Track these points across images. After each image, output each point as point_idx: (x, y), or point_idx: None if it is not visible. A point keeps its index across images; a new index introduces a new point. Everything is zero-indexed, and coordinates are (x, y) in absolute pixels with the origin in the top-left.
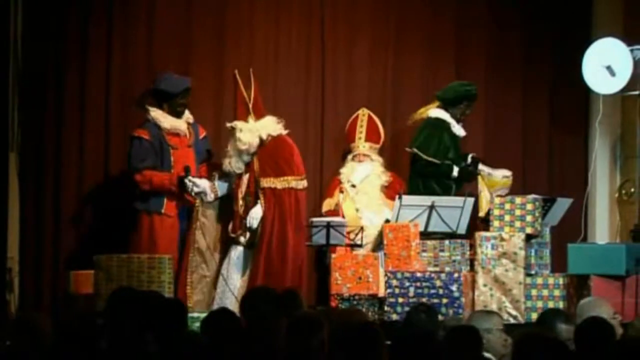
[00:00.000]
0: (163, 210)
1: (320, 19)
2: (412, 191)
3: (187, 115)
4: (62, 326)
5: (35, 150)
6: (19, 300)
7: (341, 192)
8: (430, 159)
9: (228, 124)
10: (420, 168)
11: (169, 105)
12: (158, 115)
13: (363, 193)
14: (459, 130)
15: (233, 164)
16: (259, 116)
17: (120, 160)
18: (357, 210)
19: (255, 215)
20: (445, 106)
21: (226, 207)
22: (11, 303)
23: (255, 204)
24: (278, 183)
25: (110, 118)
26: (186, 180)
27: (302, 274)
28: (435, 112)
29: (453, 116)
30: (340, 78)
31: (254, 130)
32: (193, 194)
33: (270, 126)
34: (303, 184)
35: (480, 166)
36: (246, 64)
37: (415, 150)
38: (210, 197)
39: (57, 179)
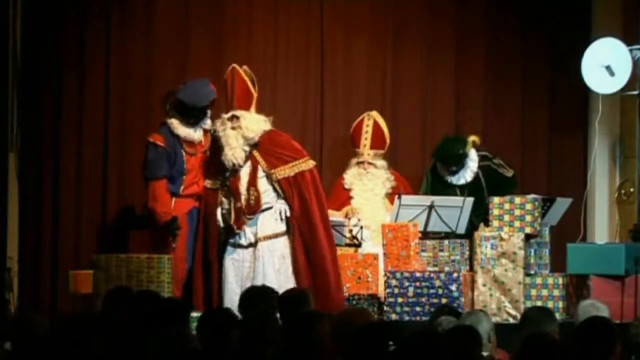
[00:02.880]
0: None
1: (319, 21)
2: None
3: (206, 122)
4: (60, 326)
5: (34, 151)
6: (19, 300)
7: (346, 217)
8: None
9: (229, 114)
10: None
11: (181, 115)
12: (173, 122)
13: (367, 205)
14: (445, 175)
15: (237, 154)
16: (256, 110)
17: (118, 160)
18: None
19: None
20: None
21: None
22: (11, 303)
23: (259, 196)
24: (289, 170)
25: (108, 119)
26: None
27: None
28: None
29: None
30: (339, 79)
31: (259, 120)
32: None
33: (263, 119)
34: (312, 162)
35: None
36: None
37: None
38: None
39: (56, 179)
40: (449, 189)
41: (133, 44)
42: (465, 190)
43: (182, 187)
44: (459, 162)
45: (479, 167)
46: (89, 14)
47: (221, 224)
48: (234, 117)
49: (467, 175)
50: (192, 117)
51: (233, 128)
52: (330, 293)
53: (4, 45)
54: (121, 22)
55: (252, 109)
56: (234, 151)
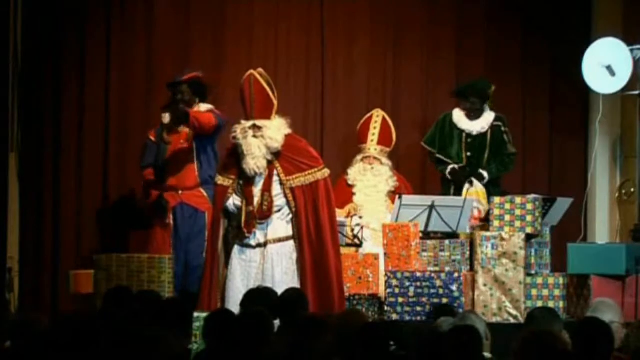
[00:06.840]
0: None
1: (319, 21)
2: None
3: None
4: (60, 326)
5: (34, 150)
6: (19, 300)
7: (348, 215)
8: (423, 144)
9: (249, 123)
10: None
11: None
12: (164, 114)
13: (369, 202)
14: (460, 121)
15: (260, 164)
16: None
17: (118, 160)
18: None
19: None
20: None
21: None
22: (11, 303)
23: (272, 202)
24: (304, 179)
25: (108, 119)
26: (227, 205)
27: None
28: None
29: (463, 110)
30: (340, 79)
31: (280, 127)
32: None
33: (284, 124)
34: (327, 171)
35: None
36: (245, 68)
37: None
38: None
39: (57, 179)
40: (458, 138)
41: (133, 44)
42: (471, 143)
43: (165, 178)
44: (482, 97)
45: (491, 125)
46: (89, 15)
47: (232, 207)
48: (256, 127)
49: (481, 125)
50: (171, 100)
51: (255, 136)
52: (333, 304)
53: (5, 45)
54: (121, 23)
55: (273, 116)
56: (257, 160)
